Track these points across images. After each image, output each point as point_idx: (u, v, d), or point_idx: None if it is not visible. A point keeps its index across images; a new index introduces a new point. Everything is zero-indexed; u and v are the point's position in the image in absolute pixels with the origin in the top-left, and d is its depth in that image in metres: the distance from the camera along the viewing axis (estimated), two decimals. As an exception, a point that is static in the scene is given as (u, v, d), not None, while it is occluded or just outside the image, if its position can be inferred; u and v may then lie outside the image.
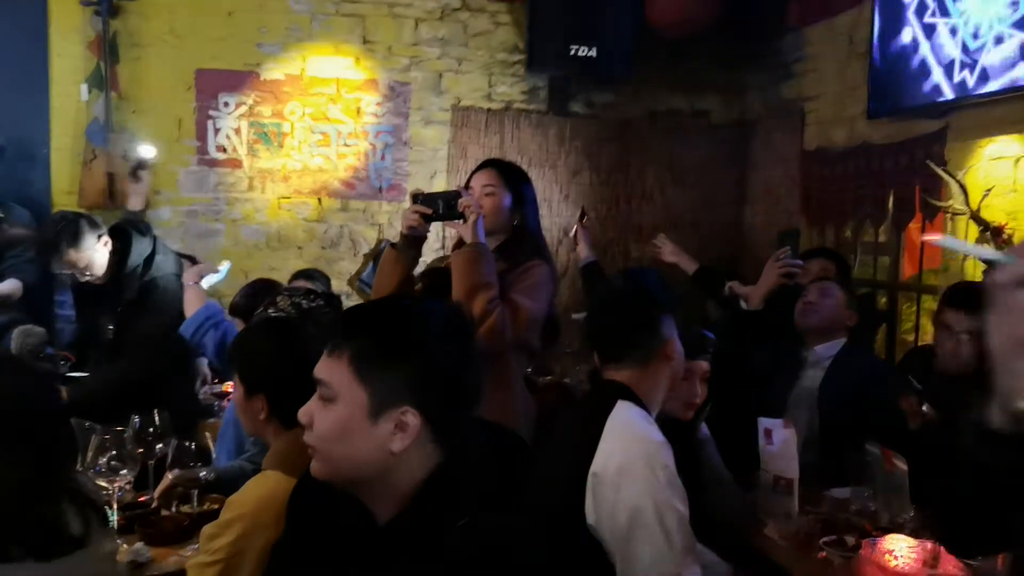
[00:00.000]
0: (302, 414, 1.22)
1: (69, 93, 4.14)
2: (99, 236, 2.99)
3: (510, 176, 2.52)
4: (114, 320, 3.02)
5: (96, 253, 2.98)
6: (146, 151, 4.06)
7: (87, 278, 3.01)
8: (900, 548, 1.81)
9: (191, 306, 2.89)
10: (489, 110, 4.65)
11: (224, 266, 3.21)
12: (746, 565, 2.10)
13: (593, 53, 4.31)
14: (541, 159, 4.73)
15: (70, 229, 2.97)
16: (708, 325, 2.90)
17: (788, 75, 4.47)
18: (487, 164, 2.56)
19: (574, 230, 3.80)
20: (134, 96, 4.24)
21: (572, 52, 4.30)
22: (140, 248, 3.06)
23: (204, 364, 3.35)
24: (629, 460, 1.75)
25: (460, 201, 2.33)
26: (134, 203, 3.39)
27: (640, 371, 1.90)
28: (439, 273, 2.52)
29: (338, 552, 1.23)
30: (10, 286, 3.20)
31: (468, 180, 2.55)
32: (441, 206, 2.36)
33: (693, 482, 1.90)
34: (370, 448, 1.16)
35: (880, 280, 3.89)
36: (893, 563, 1.78)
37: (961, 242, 2.71)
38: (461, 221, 2.33)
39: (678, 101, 4.88)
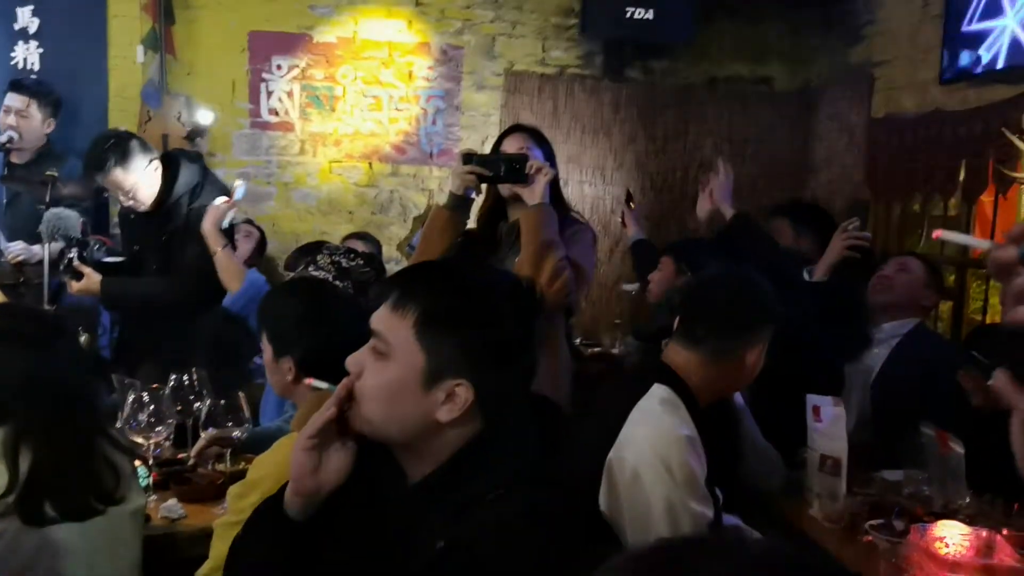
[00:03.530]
0: (351, 362, 1.16)
1: (125, 55, 4.17)
2: (150, 160, 2.89)
3: (540, 139, 2.54)
4: (158, 252, 2.96)
5: (144, 176, 2.87)
6: (203, 116, 4.06)
7: (131, 203, 2.92)
8: (952, 535, 1.70)
9: (227, 274, 2.78)
10: (543, 75, 4.55)
11: (240, 185, 2.99)
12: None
13: (650, 16, 4.17)
14: (595, 126, 4.62)
15: (120, 147, 2.85)
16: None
17: (857, 39, 4.26)
18: (516, 128, 2.60)
19: (621, 214, 3.96)
20: (188, 58, 4.26)
21: (628, 15, 4.16)
22: (188, 176, 2.98)
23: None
24: (644, 453, 1.67)
25: (529, 163, 2.36)
26: None
27: (709, 361, 1.81)
28: (470, 236, 2.52)
29: (364, 506, 1.19)
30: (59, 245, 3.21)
31: (497, 144, 2.56)
32: (503, 168, 2.38)
33: (731, 452, 1.83)
34: (416, 413, 1.12)
35: (948, 256, 3.70)
36: (944, 551, 1.67)
37: (964, 235, 2.59)
38: (523, 183, 2.36)
39: (739, 67, 4.70)
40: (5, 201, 3.41)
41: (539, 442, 1.20)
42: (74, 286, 2.92)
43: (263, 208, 4.37)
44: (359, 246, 3.25)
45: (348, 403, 1.14)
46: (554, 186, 2.48)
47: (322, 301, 1.86)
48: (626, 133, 4.65)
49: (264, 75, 4.37)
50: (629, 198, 3.94)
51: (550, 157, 2.55)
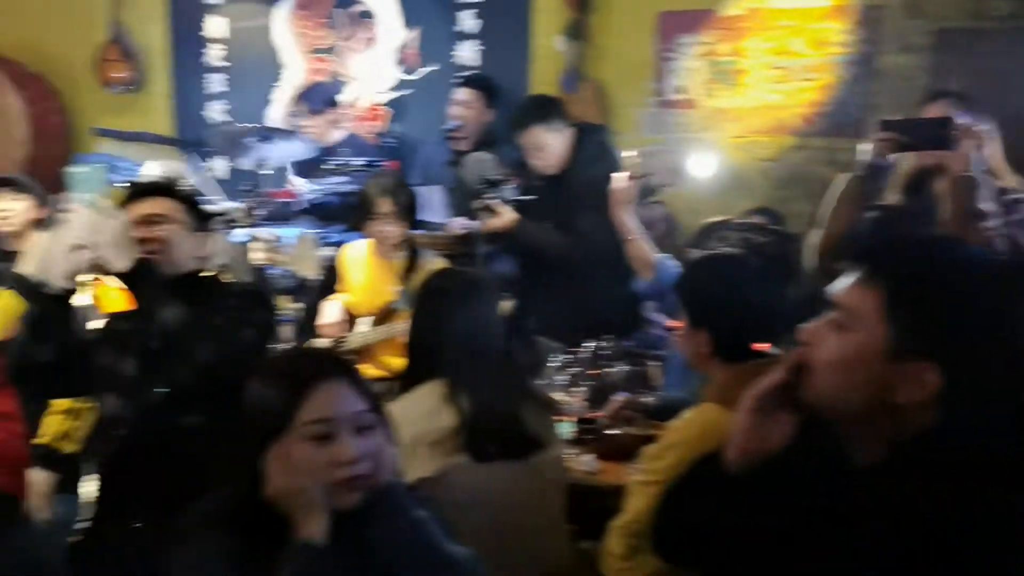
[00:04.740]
0: (807, 332, 1.15)
1: (548, 44, 4.54)
2: (566, 126, 3.18)
3: (968, 104, 2.30)
4: (555, 217, 3.15)
5: (557, 138, 3.16)
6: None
7: (540, 163, 3.19)
8: None
9: (639, 263, 2.74)
10: (978, 30, 4.02)
11: (642, 158, 2.86)
12: None
13: None
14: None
15: (545, 107, 3.19)
16: None
17: None
18: (941, 93, 2.36)
19: None
20: (601, 44, 4.50)
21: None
22: (592, 148, 3.19)
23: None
24: None
25: (955, 128, 2.17)
26: None
27: None
28: (888, 209, 2.35)
29: (803, 476, 1.17)
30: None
31: (918, 111, 2.35)
32: (923, 134, 2.21)
33: None
34: (871, 390, 1.08)
35: None
36: None
37: None
38: (948, 150, 2.18)
39: None
40: (452, 186, 3.92)
41: (1010, 442, 1.08)
42: (490, 224, 3.21)
43: (666, 187, 4.48)
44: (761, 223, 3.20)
45: (798, 372, 1.14)
46: (989, 153, 2.23)
47: (737, 277, 1.87)
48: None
49: (670, 54, 4.47)
50: None
51: (981, 122, 2.29)
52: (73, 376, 1.82)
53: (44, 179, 3.71)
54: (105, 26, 5.10)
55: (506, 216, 3.18)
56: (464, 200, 3.68)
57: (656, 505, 1.33)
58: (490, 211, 3.18)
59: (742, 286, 1.83)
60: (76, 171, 1.72)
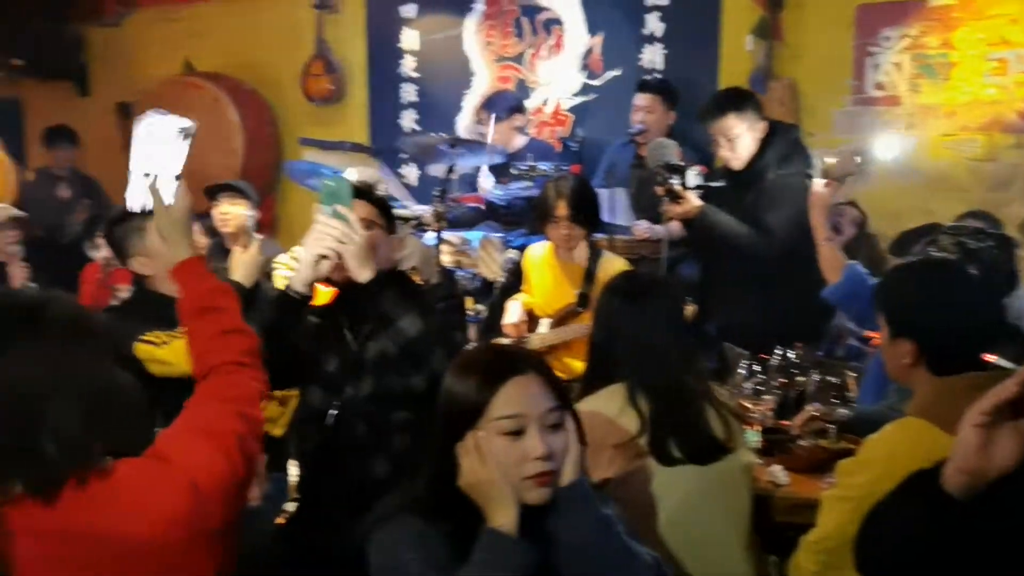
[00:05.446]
0: None
1: (736, 45, 4.42)
2: (759, 119, 3.09)
3: None
4: (739, 213, 3.05)
5: (748, 130, 3.07)
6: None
7: (728, 155, 3.11)
8: None
9: (828, 265, 2.60)
10: None
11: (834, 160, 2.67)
12: None
13: None
14: None
15: (741, 97, 3.13)
16: None
17: None
18: None
19: None
20: (793, 42, 4.33)
21: None
22: (781, 145, 3.08)
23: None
24: None
25: None
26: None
27: None
28: None
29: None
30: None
31: None
32: None
33: None
34: None
35: None
36: None
37: None
38: None
39: None
40: (635, 189, 3.90)
41: None
42: (673, 210, 3.10)
43: (862, 187, 4.24)
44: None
45: None
46: None
47: (947, 284, 1.74)
48: None
49: (871, 49, 4.22)
50: None
51: None
52: (285, 368, 1.91)
53: (256, 185, 4.06)
54: (310, 43, 5.48)
55: (690, 202, 3.06)
56: (646, 201, 3.63)
57: (861, 522, 1.25)
58: (673, 196, 3.07)
59: (955, 293, 1.70)
60: (325, 183, 1.80)
